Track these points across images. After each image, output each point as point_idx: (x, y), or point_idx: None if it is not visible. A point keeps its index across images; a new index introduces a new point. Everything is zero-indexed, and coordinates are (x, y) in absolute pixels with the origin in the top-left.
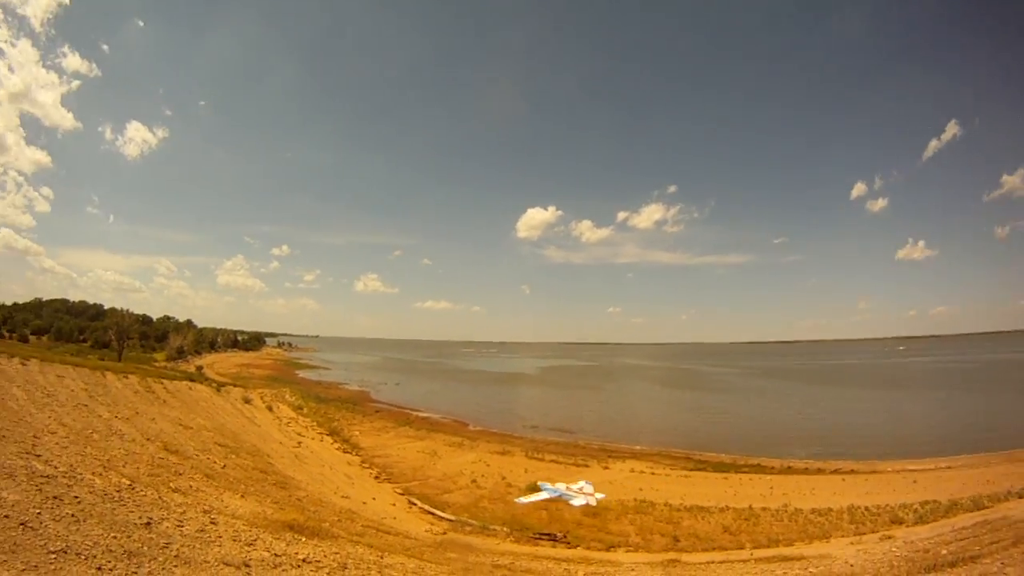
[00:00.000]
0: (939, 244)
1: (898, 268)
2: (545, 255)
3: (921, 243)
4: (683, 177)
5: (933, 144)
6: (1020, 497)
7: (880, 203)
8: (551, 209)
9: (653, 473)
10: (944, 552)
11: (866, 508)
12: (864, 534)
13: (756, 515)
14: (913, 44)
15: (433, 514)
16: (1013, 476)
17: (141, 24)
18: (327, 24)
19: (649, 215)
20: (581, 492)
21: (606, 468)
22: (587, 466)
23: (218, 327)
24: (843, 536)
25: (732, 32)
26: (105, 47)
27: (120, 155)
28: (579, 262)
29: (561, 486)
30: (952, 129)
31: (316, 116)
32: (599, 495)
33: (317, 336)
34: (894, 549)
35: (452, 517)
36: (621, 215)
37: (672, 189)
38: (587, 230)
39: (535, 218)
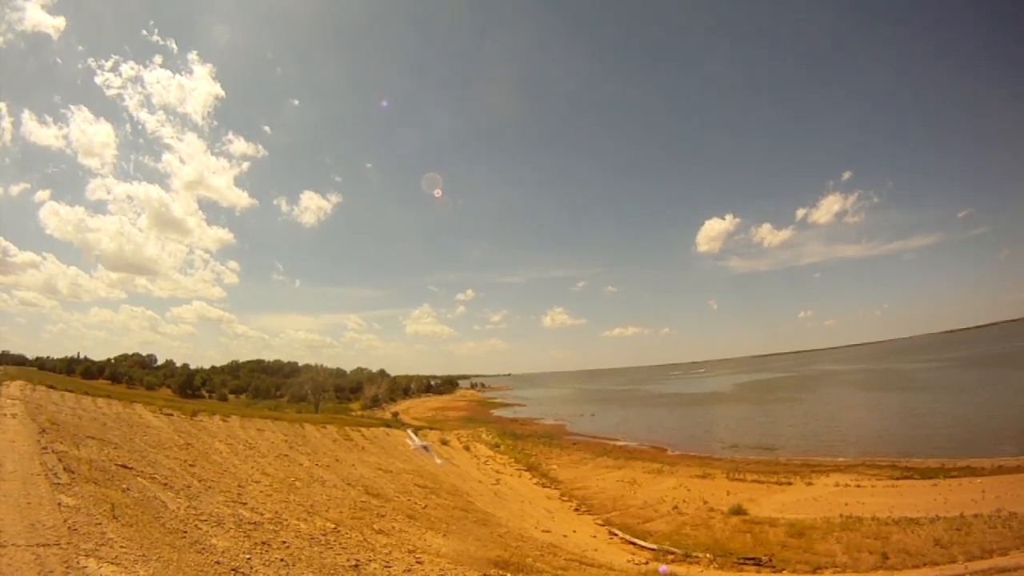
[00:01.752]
0: None
1: None
2: (728, 266)
3: None
4: (856, 161)
5: None
6: None
7: None
8: (728, 217)
9: (859, 486)
10: None
11: None
12: None
13: (968, 523)
14: None
15: (634, 544)
16: None
17: (296, 103)
18: (476, 65)
19: (828, 207)
20: None
21: (809, 484)
22: (790, 483)
23: (410, 374)
24: None
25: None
26: (267, 128)
27: (298, 224)
28: (764, 269)
29: None
30: None
31: (479, 159)
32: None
33: (509, 374)
34: None
35: (654, 546)
36: (800, 212)
37: (847, 176)
38: (767, 234)
39: (713, 229)
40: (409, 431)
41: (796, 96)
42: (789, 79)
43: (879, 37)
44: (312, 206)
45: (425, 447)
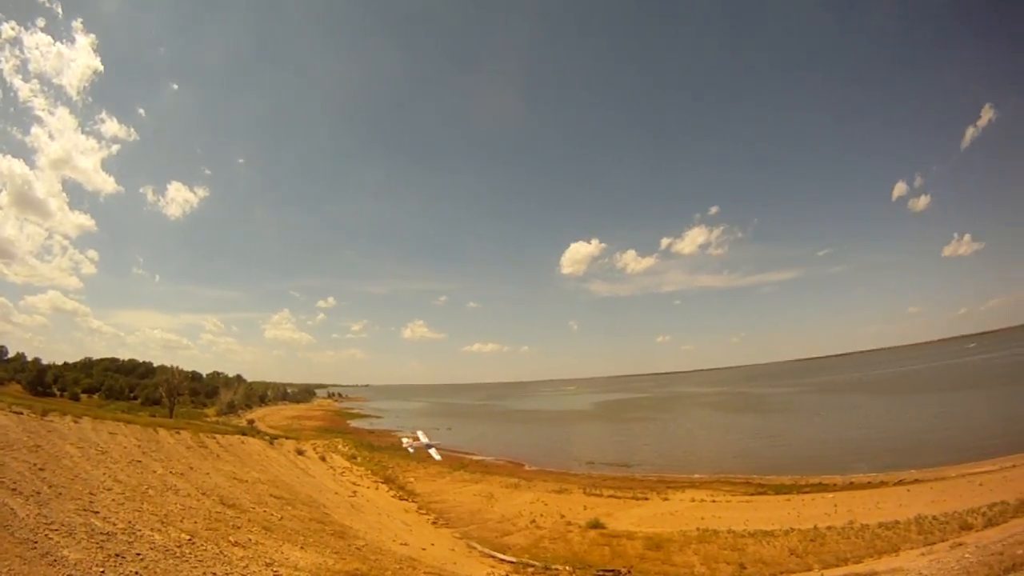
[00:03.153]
0: (986, 235)
1: (946, 265)
2: (591, 289)
3: (967, 236)
4: (724, 197)
5: (970, 132)
6: None
7: (923, 201)
8: (594, 242)
9: (714, 501)
10: (1021, 552)
11: (933, 517)
12: (934, 544)
13: (822, 535)
14: (936, 31)
15: (493, 557)
16: None
17: (175, 87)
18: (359, 77)
19: (692, 239)
20: None
21: (666, 499)
22: (647, 499)
23: (268, 381)
24: (913, 548)
25: (752, 44)
26: (142, 111)
27: (163, 216)
28: (625, 294)
29: None
30: (988, 114)
31: (353, 167)
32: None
33: (367, 385)
34: (967, 555)
35: (513, 559)
36: (664, 241)
37: (714, 210)
38: (631, 260)
39: (579, 252)
40: (419, 433)
41: (669, 131)
42: (666, 113)
43: (754, 79)
44: (179, 198)
45: (429, 446)
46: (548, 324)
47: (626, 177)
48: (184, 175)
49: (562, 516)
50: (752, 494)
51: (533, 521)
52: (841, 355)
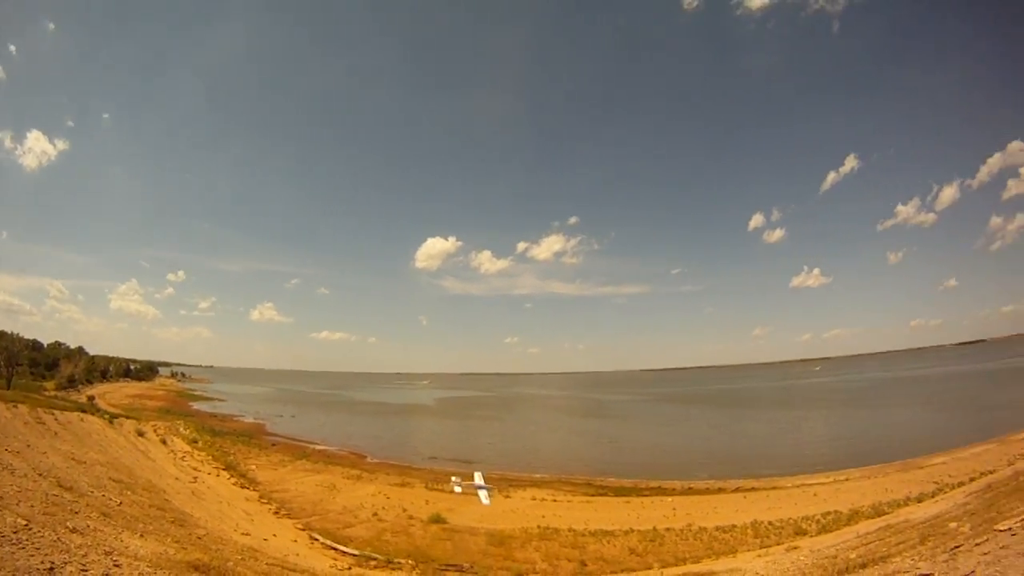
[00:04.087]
0: (834, 271)
1: (794, 294)
2: (444, 286)
3: (816, 270)
4: (584, 209)
5: (831, 176)
6: (919, 501)
7: (777, 233)
8: (451, 239)
9: (555, 500)
10: (853, 556)
11: (769, 522)
12: (770, 547)
13: (661, 536)
14: (815, 81)
15: (336, 549)
16: (909, 483)
17: (52, 26)
18: (236, 44)
19: (549, 246)
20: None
21: (507, 497)
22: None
23: (110, 355)
24: (749, 550)
25: (637, 68)
26: (12, 48)
27: (18, 166)
28: (478, 293)
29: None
30: (851, 162)
31: (219, 139)
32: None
33: (211, 366)
34: (802, 558)
35: (356, 552)
36: (521, 245)
37: (573, 220)
38: (486, 261)
39: (435, 248)
40: (477, 475)
41: (538, 140)
42: (538, 123)
43: (629, 100)
44: (37, 148)
45: (481, 488)
46: (399, 317)
47: (490, 179)
48: (46, 124)
49: (404, 510)
50: (593, 495)
51: (375, 514)
52: (685, 368)
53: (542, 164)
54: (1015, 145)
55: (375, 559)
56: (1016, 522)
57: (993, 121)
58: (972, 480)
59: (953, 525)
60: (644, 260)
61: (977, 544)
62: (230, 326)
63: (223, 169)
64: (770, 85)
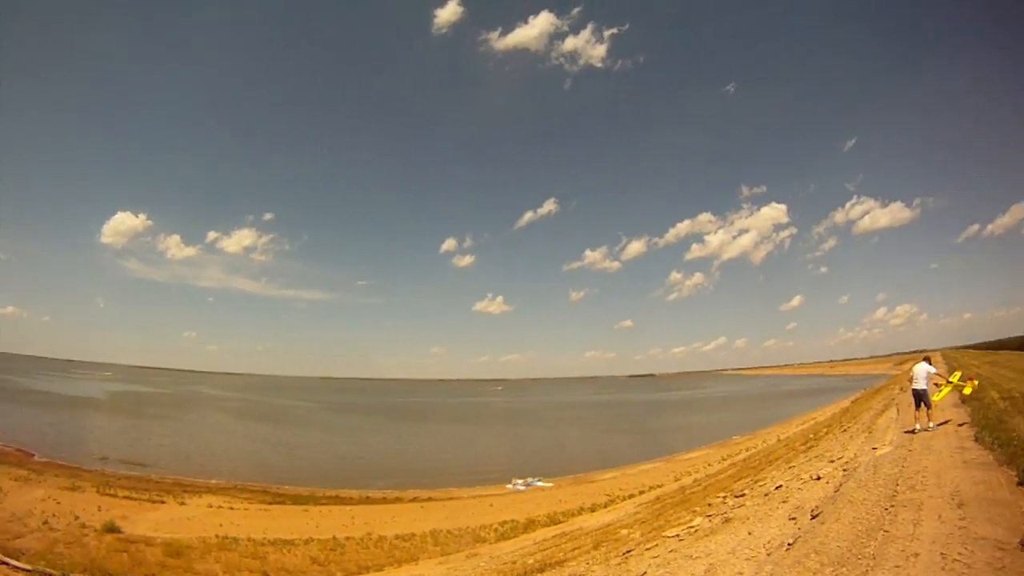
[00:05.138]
0: (517, 300)
1: (475, 317)
2: (127, 267)
3: (500, 298)
4: (282, 206)
5: (528, 215)
6: (592, 511)
7: (467, 259)
8: (142, 217)
9: (232, 508)
10: (531, 561)
11: (448, 531)
12: (450, 554)
13: (342, 544)
14: (536, 127)
15: (7, 564)
16: (583, 495)
17: None
18: None
19: (240, 239)
20: None
21: (183, 504)
22: (163, 502)
23: None
24: (431, 558)
25: (369, 80)
26: None
27: None
28: (161, 280)
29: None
30: (549, 205)
31: None
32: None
33: None
34: (482, 564)
35: (29, 567)
36: (212, 235)
37: (268, 217)
38: (174, 246)
39: (124, 224)
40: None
41: (243, 126)
42: (245, 110)
43: (338, 105)
44: None
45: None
46: (70, 295)
47: (192, 154)
48: None
49: (76, 517)
50: (270, 503)
51: (46, 522)
52: (365, 379)
53: (244, 151)
54: (704, 216)
55: (49, 574)
56: (683, 529)
57: (689, 191)
58: (642, 493)
59: (625, 532)
60: (332, 267)
61: (647, 549)
62: None
63: None
64: (493, 122)
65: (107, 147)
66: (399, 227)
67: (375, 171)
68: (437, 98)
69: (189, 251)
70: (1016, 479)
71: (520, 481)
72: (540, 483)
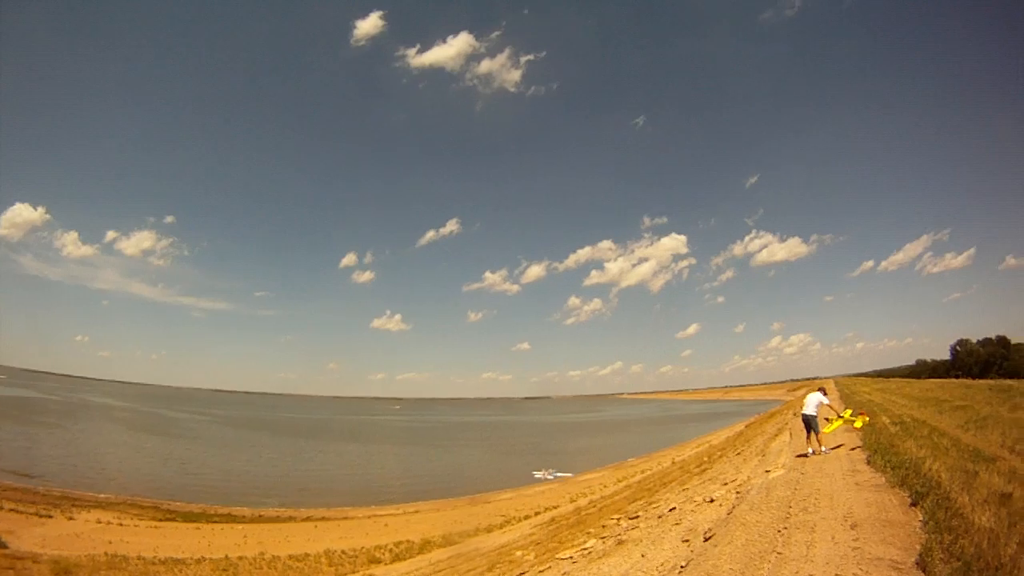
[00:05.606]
0: (414, 319)
1: (373, 335)
2: (21, 262)
3: (398, 316)
4: (184, 209)
5: (431, 234)
6: (488, 532)
7: (367, 275)
8: (40, 210)
9: (122, 524)
10: None
11: (343, 551)
12: (345, 575)
13: (234, 564)
14: (446, 145)
15: None
16: (478, 515)
17: None
18: None
19: (139, 242)
20: None
21: (71, 519)
22: (51, 516)
23: None
24: None
25: (286, 88)
26: None
27: None
28: (55, 278)
29: None
30: (452, 225)
31: None
32: None
33: None
34: None
35: None
36: (111, 234)
37: (170, 219)
38: (71, 243)
39: (21, 216)
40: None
41: (143, 122)
42: (155, 108)
43: (258, 105)
44: None
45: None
46: None
47: (95, 149)
48: None
49: None
50: (161, 519)
51: None
52: (257, 392)
53: (149, 149)
54: (606, 244)
55: None
56: (577, 551)
57: (592, 218)
58: (537, 514)
59: (519, 553)
60: (231, 277)
61: (541, 571)
62: None
63: None
64: (402, 138)
65: (6, 134)
66: (300, 239)
67: (279, 180)
68: (348, 110)
69: (87, 250)
70: (909, 500)
71: (544, 472)
72: (561, 475)
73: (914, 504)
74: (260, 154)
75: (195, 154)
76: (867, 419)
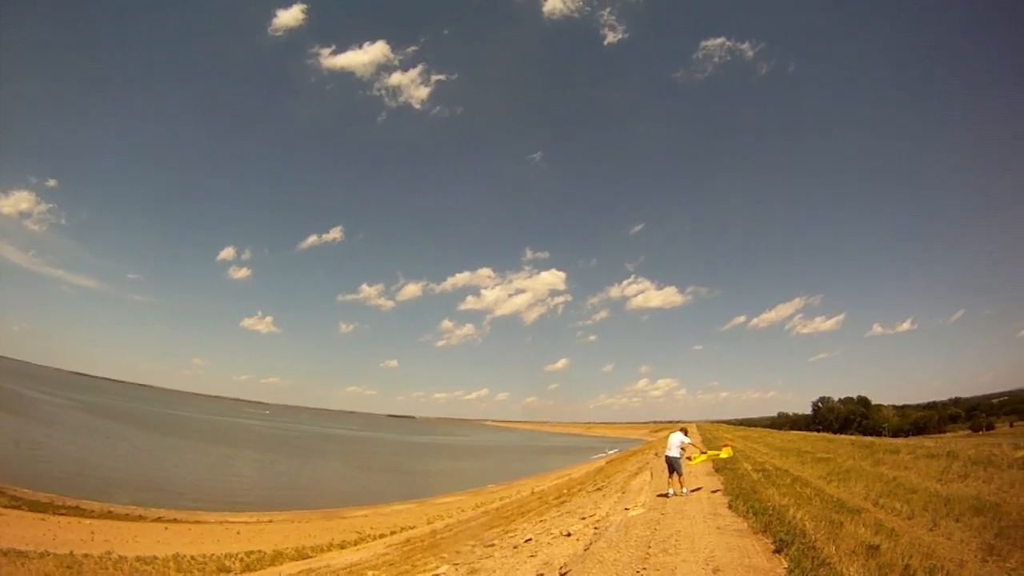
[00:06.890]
0: (285, 324)
1: (241, 334)
2: None
3: (269, 318)
4: (67, 175)
5: (313, 239)
6: (341, 548)
7: (244, 272)
8: None
9: None
10: None
11: (192, 557)
12: None
13: (79, 562)
14: (346, 153)
15: None
16: (332, 530)
17: None
18: None
19: (16, 202)
20: None
21: None
22: None
23: None
24: None
25: (187, 79)
26: None
27: None
28: None
29: None
30: (336, 233)
31: None
32: None
33: None
34: None
35: None
36: None
37: (52, 183)
38: None
39: None
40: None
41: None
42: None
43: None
44: None
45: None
46: None
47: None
48: None
49: None
50: (5, 506)
51: None
52: (118, 381)
53: (37, 106)
54: (485, 271)
55: None
56: None
57: (474, 244)
58: (393, 533)
59: (371, 573)
60: (105, 254)
61: None
62: None
63: None
64: (298, 138)
65: None
66: (179, 225)
67: (168, 161)
68: (251, 100)
69: None
70: (772, 547)
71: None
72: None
73: (778, 551)
74: (154, 129)
75: (84, 122)
76: (731, 450)
